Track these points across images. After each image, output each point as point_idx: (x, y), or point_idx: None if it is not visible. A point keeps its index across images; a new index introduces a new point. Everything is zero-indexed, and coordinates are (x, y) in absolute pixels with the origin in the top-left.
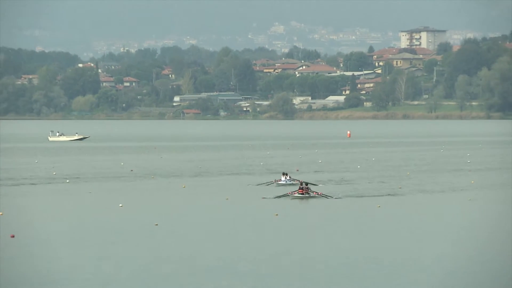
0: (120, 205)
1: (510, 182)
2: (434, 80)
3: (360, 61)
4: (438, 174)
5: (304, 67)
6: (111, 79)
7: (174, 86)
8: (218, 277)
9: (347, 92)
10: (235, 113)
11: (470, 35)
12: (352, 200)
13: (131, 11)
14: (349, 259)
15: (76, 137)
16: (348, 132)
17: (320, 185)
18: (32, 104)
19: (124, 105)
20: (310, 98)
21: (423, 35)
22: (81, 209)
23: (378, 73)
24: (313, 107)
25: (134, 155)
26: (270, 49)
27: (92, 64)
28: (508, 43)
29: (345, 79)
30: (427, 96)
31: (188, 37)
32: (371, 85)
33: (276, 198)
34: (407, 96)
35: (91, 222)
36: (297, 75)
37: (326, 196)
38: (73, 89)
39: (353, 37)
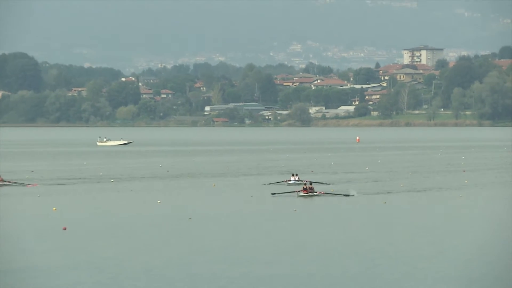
0: (158, 201)
1: (499, 181)
2: (432, 92)
3: (368, 75)
4: (435, 174)
5: (319, 80)
6: (150, 91)
7: (205, 98)
8: (248, 263)
9: (357, 102)
10: (258, 121)
11: (464, 53)
12: (361, 197)
13: (168, 32)
14: (363, 246)
15: (121, 142)
16: (357, 137)
17: (330, 184)
18: (81, 113)
19: (161, 114)
20: (324, 108)
21: (423, 53)
22: (124, 205)
23: (384, 86)
24: (326, 116)
25: (170, 158)
26: (289, 65)
27: (133, 79)
28: (497, 60)
29: (354, 91)
30: (426, 106)
31: (217, 54)
32: (378, 96)
33: (284, 196)
34: (409, 106)
35: (133, 216)
36: (313, 88)
37: (331, 194)
38: (117, 100)
39: (362, 55)
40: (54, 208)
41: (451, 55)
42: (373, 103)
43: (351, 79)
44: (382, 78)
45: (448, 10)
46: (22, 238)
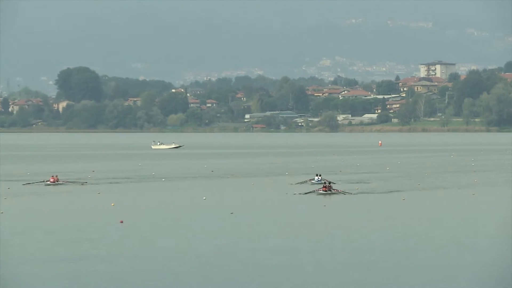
0: (204, 198)
1: (505, 180)
2: (446, 102)
3: (389, 87)
4: (448, 174)
5: (345, 92)
6: (197, 101)
7: (245, 107)
8: (288, 252)
9: (379, 111)
10: (292, 127)
11: (473, 67)
12: (383, 194)
13: (213, 49)
14: (387, 237)
15: (173, 146)
16: (380, 142)
17: (338, 183)
18: (136, 120)
19: (207, 121)
20: (350, 115)
21: (438, 67)
22: (174, 201)
23: (403, 96)
24: (352, 123)
25: (214, 159)
26: (320, 78)
27: (182, 90)
28: (503, 73)
29: (377, 101)
30: (440, 114)
31: (256, 68)
32: (397, 105)
33: (306, 194)
34: (425, 114)
35: (182, 211)
36: (340, 98)
37: (344, 193)
38: (168, 108)
39: (384, 69)
40: (112, 204)
41: (462, 69)
42: (393, 112)
43: (374, 90)
44: (402, 89)
45: (459, 29)
46: (84, 230)
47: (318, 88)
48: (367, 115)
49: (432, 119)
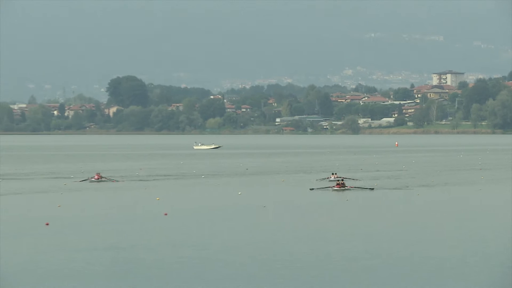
0: (239, 193)
1: (509, 177)
2: (455, 107)
3: (405, 94)
4: (458, 172)
5: (366, 98)
6: (233, 106)
7: (276, 111)
8: (319, 241)
9: (396, 115)
10: (318, 130)
11: (480, 76)
12: (399, 190)
13: (247, 59)
14: (404, 228)
15: (212, 146)
16: (396, 143)
17: (358, 179)
18: (179, 124)
19: (241, 124)
20: (370, 119)
21: (448, 76)
22: (212, 196)
23: (417, 102)
24: (372, 126)
25: (248, 158)
26: (342, 85)
27: (219, 96)
28: (507, 81)
29: (394, 107)
30: (451, 118)
31: (286, 77)
32: (412, 110)
33: (321, 190)
34: (437, 118)
35: (219, 204)
36: (361, 103)
37: (361, 188)
38: (207, 113)
39: (400, 77)
40: (157, 198)
41: (470, 78)
42: (408, 116)
43: (391, 97)
44: (416, 96)
45: (468, 42)
46: (132, 222)
47: (341, 95)
48: (385, 119)
49: (443, 122)
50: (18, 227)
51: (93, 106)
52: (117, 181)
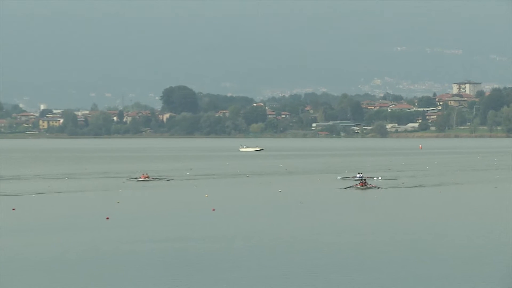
0: (279, 190)
1: None
2: (473, 113)
3: (428, 101)
4: (476, 171)
5: (393, 105)
6: (273, 113)
7: (312, 117)
8: (355, 234)
9: (420, 121)
10: (350, 134)
11: (496, 85)
12: (423, 187)
13: (286, 70)
14: (428, 221)
15: (256, 149)
16: (420, 145)
17: (379, 178)
18: (225, 128)
19: (281, 129)
20: (397, 124)
21: (467, 86)
22: (255, 193)
23: (439, 109)
24: (398, 130)
25: (288, 159)
26: (372, 94)
27: (262, 104)
28: None
29: (418, 113)
30: (469, 123)
31: (321, 86)
32: (435, 116)
33: (347, 188)
34: (457, 123)
35: (262, 201)
36: (389, 110)
37: (378, 187)
38: (250, 119)
39: (423, 87)
40: (206, 195)
41: (487, 87)
42: (431, 121)
43: (416, 104)
44: (438, 103)
45: (485, 55)
46: (184, 216)
47: (370, 103)
48: (410, 124)
49: (462, 127)
50: (81, 221)
51: (148, 113)
52: (167, 180)
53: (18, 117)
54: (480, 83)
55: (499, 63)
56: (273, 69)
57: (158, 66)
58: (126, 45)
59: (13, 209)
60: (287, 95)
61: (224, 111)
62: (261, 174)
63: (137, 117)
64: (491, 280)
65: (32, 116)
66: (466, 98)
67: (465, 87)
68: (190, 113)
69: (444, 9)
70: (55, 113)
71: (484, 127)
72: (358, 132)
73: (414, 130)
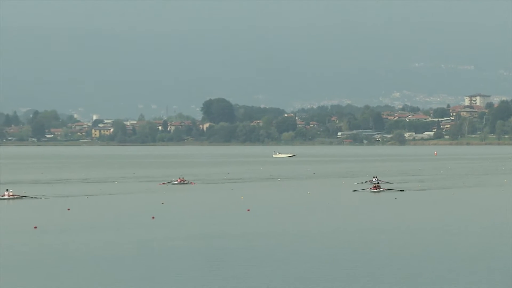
0: (308, 192)
1: None
2: (483, 123)
3: (442, 112)
4: (485, 175)
5: (410, 116)
6: (303, 122)
7: (338, 127)
8: (379, 231)
9: (435, 130)
10: (371, 142)
11: (504, 98)
12: (438, 190)
13: (314, 84)
14: (442, 221)
15: (289, 155)
16: (435, 152)
17: (391, 182)
18: (259, 136)
19: (310, 137)
20: (414, 133)
21: (478, 98)
22: (285, 195)
23: (452, 119)
24: (415, 138)
25: (316, 165)
26: (392, 105)
27: (292, 114)
28: None
29: (433, 123)
30: (479, 132)
31: (346, 99)
32: (448, 126)
33: (361, 191)
34: (468, 132)
35: (292, 202)
36: (407, 120)
37: (394, 190)
38: (282, 128)
39: (438, 99)
40: (241, 197)
41: (496, 99)
42: (445, 130)
43: (431, 115)
44: (451, 114)
45: (494, 70)
46: (220, 216)
47: (390, 113)
48: (426, 133)
49: (473, 136)
50: (129, 220)
51: (190, 123)
52: (196, 183)
53: (73, 126)
54: (489, 95)
55: (507, 78)
56: (302, 83)
57: (199, 81)
58: (170, 61)
59: (68, 209)
60: (315, 107)
61: (258, 121)
62: (292, 178)
63: (180, 126)
64: (499, 276)
65: (85, 126)
66: (476, 109)
67: (476, 99)
68: (227, 123)
69: (457, 29)
70: (106, 123)
71: (493, 136)
72: (379, 140)
73: (429, 138)
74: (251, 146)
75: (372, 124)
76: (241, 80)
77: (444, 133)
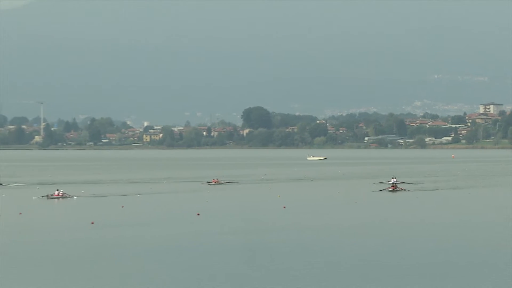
0: (338, 192)
1: None
2: (497, 129)
3: (459, 119)
4: (498, 176)
5: (431, 122)
6: (333, 128)
7: (365, 132)
8: (399, 229)
9: (452, 135)
10: (395, 146)
11: None
12: (454, 190)
13: (344, 93)
14: (460, 218)
15: (321, 158)
16: (453, 155)
17: (412, 183)
18: (294, 141)
19: (339, 142)
20: (434, 138)
21: (491, 106)
22: (317, 194)
23: (468, 125)
24: (435, 143)
25: (345, 167)
26: (413, 113)
27: (323, 121)
28: None
29: (451, 129)
30: (493, 137)
31: (372, 107)
32: (465, 131)
33: (381, 191)
34: (483, 137)
35: (322, 200)
36: (427, 126)
37: (406, 190)
38: (314, 133)
39: (456, 107)
40: (278, 196)
41: (508, 108)
42: (462, 136)
43: (449, 122)
44: (467, 121)
45: (506, 81)
46: (258, 213)
47: (412, 120)
48: (444, 138)
49: (487, 140)
50: (177, 216)
51: (231, 129)
52: (236, 183)
53: (126, 132)
54: (502, 104)
55: None
56: (333, 93)
57: (240, 91)
58: (213, 73)
59: (122, 207)
60: (344, 114)
61: (293, 127)
62: (323, 178)
63: (222, 132)
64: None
65: (137, 131)
66: (490, 117)
67: (489, 108)
68: (265, 128)
69: (473, 45)
70: (156, 129)
71: (506, 140)
72: (402, 144)
73: (448, 143)
74: (286, 150)
75: (396, 130)
76: (277, 91)
77: (461, 138)
